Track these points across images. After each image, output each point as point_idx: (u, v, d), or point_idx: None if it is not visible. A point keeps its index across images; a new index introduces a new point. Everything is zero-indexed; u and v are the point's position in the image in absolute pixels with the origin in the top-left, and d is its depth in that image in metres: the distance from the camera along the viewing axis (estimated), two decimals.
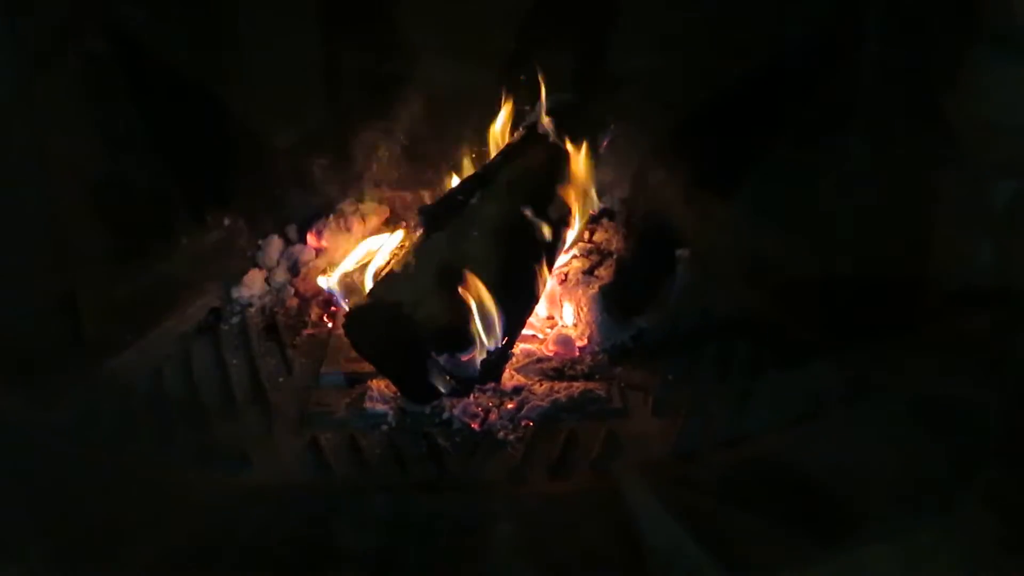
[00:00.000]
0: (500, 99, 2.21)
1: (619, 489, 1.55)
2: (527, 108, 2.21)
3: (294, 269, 2.26)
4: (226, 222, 2.27)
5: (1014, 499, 1.51)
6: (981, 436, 1.62)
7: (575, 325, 2.02)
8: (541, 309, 2.03)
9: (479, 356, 1.73)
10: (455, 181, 2.18)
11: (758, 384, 1.83)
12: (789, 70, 1.97)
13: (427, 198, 2.26)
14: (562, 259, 2.08)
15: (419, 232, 1.88)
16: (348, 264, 2.08)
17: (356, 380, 1.87)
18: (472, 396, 1.78)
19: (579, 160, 2.10)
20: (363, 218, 2.37)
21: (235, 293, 2.16)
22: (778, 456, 1.65)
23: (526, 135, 2.12)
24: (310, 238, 2.34)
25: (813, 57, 1.92)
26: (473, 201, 1.90)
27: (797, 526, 1.49)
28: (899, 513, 1.51)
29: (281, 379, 1.91)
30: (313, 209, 2.41)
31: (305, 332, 2.05)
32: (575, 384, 1.84)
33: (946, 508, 1.51)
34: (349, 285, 1.99)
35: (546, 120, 2.12)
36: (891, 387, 1.75)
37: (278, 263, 2.28)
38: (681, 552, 1.42)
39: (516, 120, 2.21)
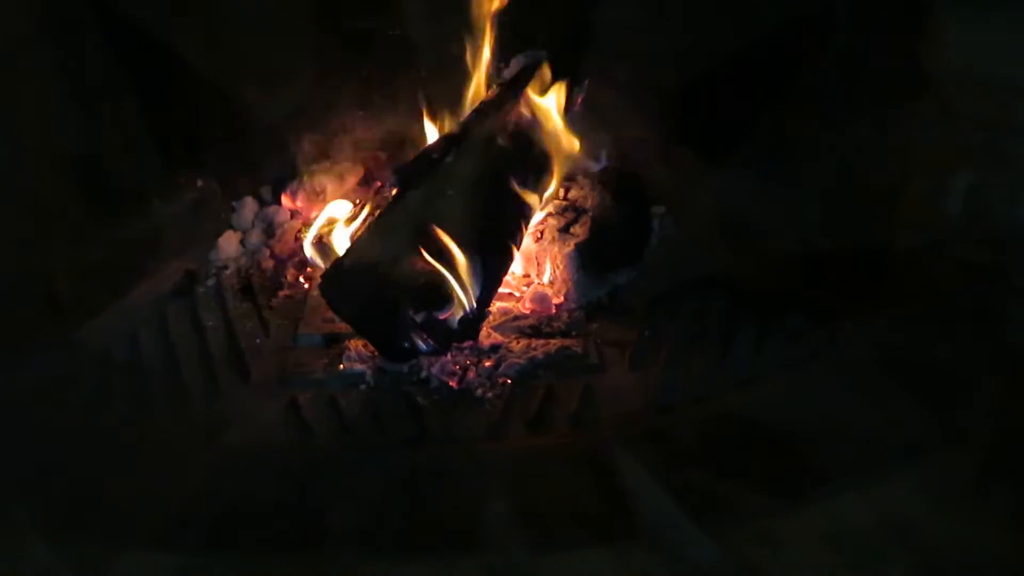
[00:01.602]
0: (475, 56, 2.19)
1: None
2: (502, 65, 2.20)
3: (269, 230, 2.25)
4: (199, 184, 2.25)
5: (983, 444, 1.55)
6: (949, 385, 1.65)
7: (551, 283, 2.02)
8: (517, 267, 2.04)
9: (456, 314, 1.74)
10: (430, 139, 2.17)
11: (733, 339, 1.84)
12: (767, 32, 1.97)
13: (402, 157, 2.25)
14: (538, 216, 2.08)
15: (394, 191, 1.87)
16: (323, 225, 2.07)
17: (333, 340, 1.87)
18: (450, 354, 1.79)
19: (554, 117, 2.09)
20: (338, 178, 2.35)
21: (210, 255, 2.15)
22: (753, 409, 1.67)
23: (501, 92, 2.10)
24: (285, 199, 2.32)
25: (792, 19, 1.91)
26: (448, 159, 1.89)
27: (772, 477, 1.51)
28: (871, 464, 1.53)
29: (258, 341, 1.90)
30: (287, 170, 2.40)
31: (281, 293, 2.05)
32: (552, 341, 1.85)
33: (918, 458, 1.53)
34: (325, 246, 1.98)
35: (521, 77, 2.11)
36: (863, 341, 1.77)
37: (253, 225, 2.27)
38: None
39: (491, 77, 2.20)
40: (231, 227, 2.25)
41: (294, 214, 2.30)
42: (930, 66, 1.78)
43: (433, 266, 1.71)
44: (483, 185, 1.87)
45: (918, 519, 1.44)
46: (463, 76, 2.20)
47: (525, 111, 2.08)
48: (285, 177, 2.37)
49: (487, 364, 1.79)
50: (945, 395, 1.64)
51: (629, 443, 1.59)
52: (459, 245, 1.75)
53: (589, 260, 1.98)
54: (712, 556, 1.39)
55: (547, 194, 2.10)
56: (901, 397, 1.65)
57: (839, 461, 1.54)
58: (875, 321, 1.77)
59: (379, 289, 1.68)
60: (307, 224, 2.16)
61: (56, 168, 1.87)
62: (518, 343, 1.85)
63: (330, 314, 1.82)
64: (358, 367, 1.78)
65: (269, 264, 2.14)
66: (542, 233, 2.07)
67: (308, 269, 2.08)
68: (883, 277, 1.83)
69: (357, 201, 2.17)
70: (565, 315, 1.94)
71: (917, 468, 1.52)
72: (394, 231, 1.76)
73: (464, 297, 1.74)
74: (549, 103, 2.10)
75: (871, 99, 1.88)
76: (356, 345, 1.82)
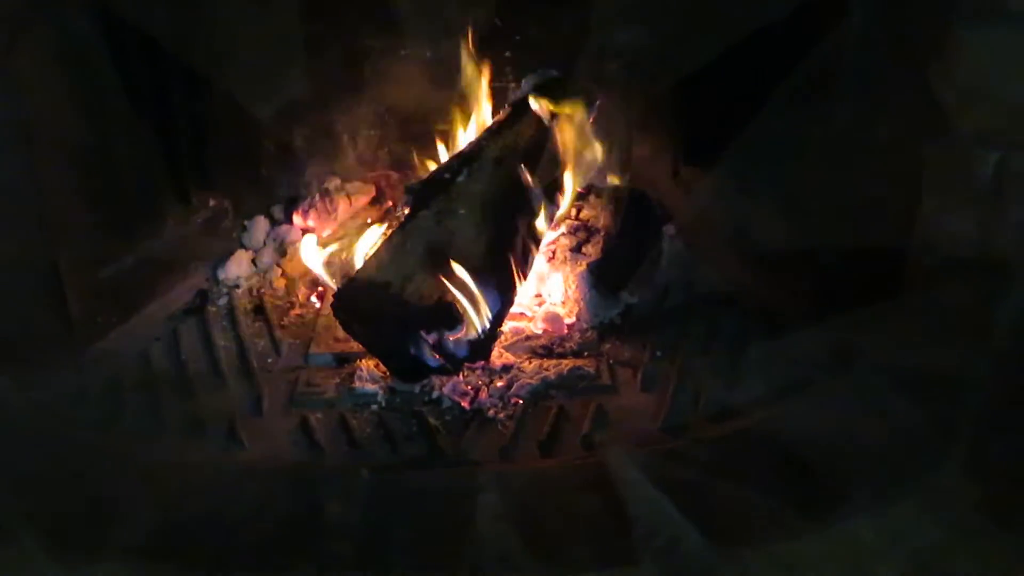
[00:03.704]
0: (486, 76, 2.20)
1: (606, 463, 1.56)
2: (513, 84, 2.20)
3: (280, 249, 2.25)
4: (211, 203, 2.25)
5: (995, 467, 1.53)
6: (962, 405, 1.63)
7: (563, 302, 2.02)
8: (529, 287, 2.03)
9: (468, 334, 1.73)
10: (442, 159, 2.17)
11: (744, 358, 1.83)
12: (774, 42, 1.97)
13: (413, 176, 2.25)
14: (549, 236, 2.08)
15: (406, 211, 1.87)
16: (335, 244, 2.07)
17: (345, 360, 1.87)
18: (462, 374, 1.79)
19: (565, 136, 2.09)
20: (349, 197, 2.36)
21: (222, 274, 2.15)
22: (765, 429, 1.66)
23: (512, 111, 2.11)
24: (296, 218, 2.33)
25: (798, 28, 1.91)
26: (460, 179, 1.90)
27: (783, 498, 1.50)
28: (883, 485, 1.52)
29: (270, 360, 1.90)
30: (299, 189, 2.41)
31: (293, 313, 2.05)
32: (564, 361, 1.85)
33: (929, 478, 1.52)
34: (337, 265, 1.98)
35: (532, 96, 2.12)
36: (875, 358, 1.75)
37: (264, 244, 2.28)
38: (663, 520, 1.43)
39: (502, 96, 2.21)
40: (243, 246, 2.25)
41: (306, 233, 2.30)
42: (943, 82, 1.78)
43: (445, 286, 1.71)
44: (495, 205, 1.87)
45: (931, 541, 1.43)
46: (474, 95, 2.21)
47: (537, 130, 2.08)
48: (297, 196, 2.38)
49: (499, 384, 1.78)
50: (959, 415, 1.62)
51: (635, 461, 1.59)
52: (471, 265, 1.75)
53: (601, 280, 1.98)
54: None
55: (559, 214, 2.10)
56: (914, 416, 1.64)
57: (853, 482, 1.52)
58: (887, 338, 1.76)
59: (391, 309, 1.68)
60: (319, 243, 2.16)
61: (70, 187, 1.88)
62: (530, 363, 1.84)
63: (342, 333, 1.82)
64: (370, 387, 1.78)
65: (281, 283, 2.14)
66: (554, 252, 2.07)
67: (320, 288, 2.08)
68: (894, 293, 1.82)
69: (369, 220, 2.18)
70: (577, 335, 1.94)
71: (931, 490, 1.51)
72: (406, 251, 1.76)
73: (476, 317, 1.74)
74: (561, 122, 2.10)
75: (882, 115, 1.87)
76: (368, 365, 1.82)
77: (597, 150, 2.19)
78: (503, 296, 1.81)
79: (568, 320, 1.97)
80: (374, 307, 1.70)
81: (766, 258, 1.98)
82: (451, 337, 1.71)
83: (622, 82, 2.20)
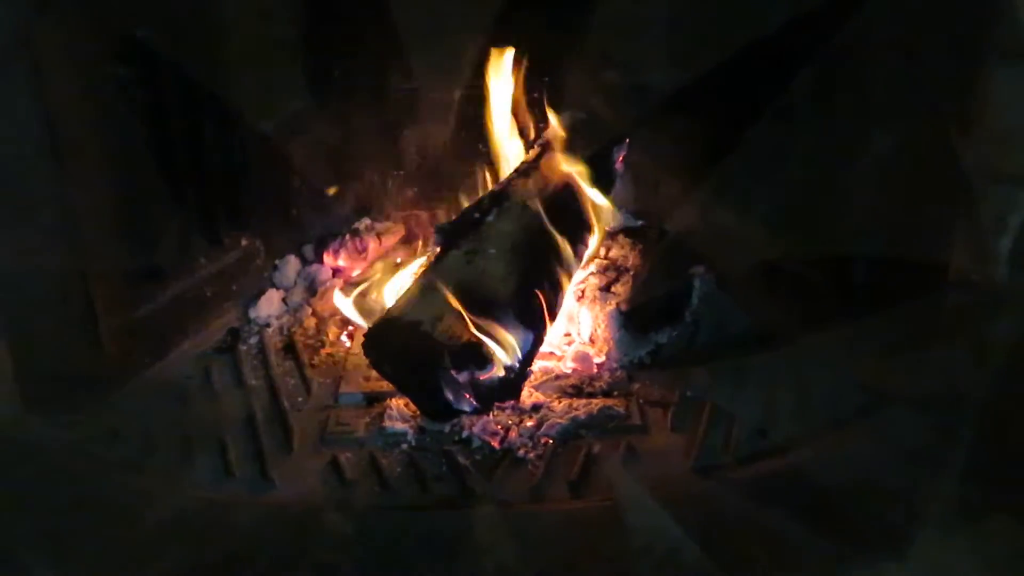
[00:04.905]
0: (514, 116, 2.22)
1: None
2: (542, 124, 2.22)
3: (311, 289, 2.27)
4: (243, 243, 2.28)
5: None
6: (1000, 443, 1.62)
7: (593, 342, 2.02)
8: (559, 326, 2.03)
9: (498, 373, 1.73)
10: (471, 199, 2.19)
11: (776, 397, 1.82)
12: (802, 77, 1.97)
13: (443, 216, 2.27)
14: (579, 275, 2.08)
15: (436, 250, 1.88)
16: (365, 283, 2.08)
17: (375, 399, 1.87)
18: (491, 414, 1.78)
19: (594, 176, 2.10)
20: (379, 237, 2.38)
21: (253, 313, 2.17)
22: (797, 469, 1.64)
23: (541, 151, 2.12)
24: (327, 258, 2.35)
25: (827, 66, 1.92)
26: (489, 219, 1.91)
27: (814, 540, 1.48)
28: (917, 526, 1.50)
29: (300, 399, 1.91)
30: (329, 229, 2.43)
31: (323, 352, 2.06)
32: (594, 401, 1.84)
33: (965, 521, 1.50)
34: (367, 304, 1.99)
35: (561, 136, 2.13)
36: (910, 395, 1.74)
37: (295, 283, 2.29)
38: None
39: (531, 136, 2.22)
40: (274, 285, 2.27)
41: (336, 272, 2.32)
42: (974, 122, 1.78)
43: (475, 325, 1.71)
44: (524, 244, 1.88)
45: None
46: (503, 134, 2.23)
47: (566, 170, 2.09)
48: (327, 236, 2.40)
49: (529, 424, 1.78)
50: (994, 457, 1.61)
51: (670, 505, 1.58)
52: (501, 304, 1.75)
53: (630, 319, 1.98)
54: None
55: (588, 253, 2.10)
56: (949, 456, 1.62)
57: (887, 524, 1.51)
58: (920, 379, 1.75)
59: (421, 348, 1.69)
60: (349, 283, 2.17)
61: (104, 229, 1.90)
62: (560, 403, 1.84)
63: (372, 372, 1.83)
64: (399, 426, 1.78)
65: (311, 322, 2.15)
66: (583, 292, 2.07)
67: (350, 327, 2.09)
68: (929, 333, 1.81)
69: (399, 260, 2.20)
70: (607, 374, 1.93)
71: (964, 533, 1.49)
72: (436, 290, 1.76)
73: (506, 356, 1.74)
74: (590, 162, 2.11)
75: (913, 154, 1.87)
76: (398, 404, 1.82)
77: (622, 191, 2.21)
78: (533, 335, 1.81)
79: (598, 359, 1.97)
80: (404, 346, 1.71)
81: (795, 294, 1.98)
82: (481, 376, 1.71)
83: (650, 123, 2.21)
